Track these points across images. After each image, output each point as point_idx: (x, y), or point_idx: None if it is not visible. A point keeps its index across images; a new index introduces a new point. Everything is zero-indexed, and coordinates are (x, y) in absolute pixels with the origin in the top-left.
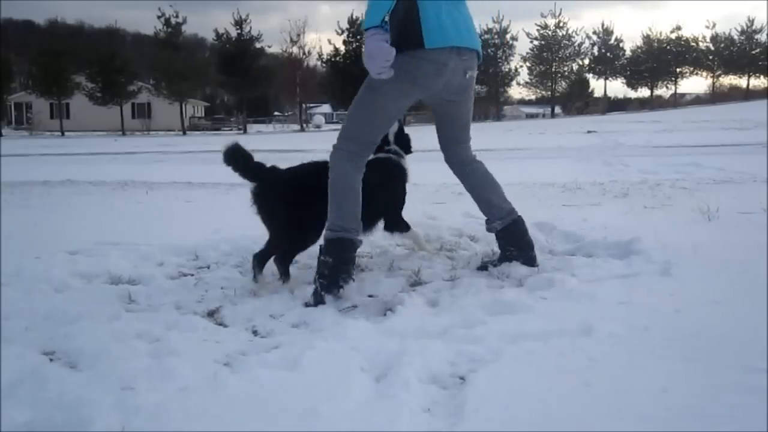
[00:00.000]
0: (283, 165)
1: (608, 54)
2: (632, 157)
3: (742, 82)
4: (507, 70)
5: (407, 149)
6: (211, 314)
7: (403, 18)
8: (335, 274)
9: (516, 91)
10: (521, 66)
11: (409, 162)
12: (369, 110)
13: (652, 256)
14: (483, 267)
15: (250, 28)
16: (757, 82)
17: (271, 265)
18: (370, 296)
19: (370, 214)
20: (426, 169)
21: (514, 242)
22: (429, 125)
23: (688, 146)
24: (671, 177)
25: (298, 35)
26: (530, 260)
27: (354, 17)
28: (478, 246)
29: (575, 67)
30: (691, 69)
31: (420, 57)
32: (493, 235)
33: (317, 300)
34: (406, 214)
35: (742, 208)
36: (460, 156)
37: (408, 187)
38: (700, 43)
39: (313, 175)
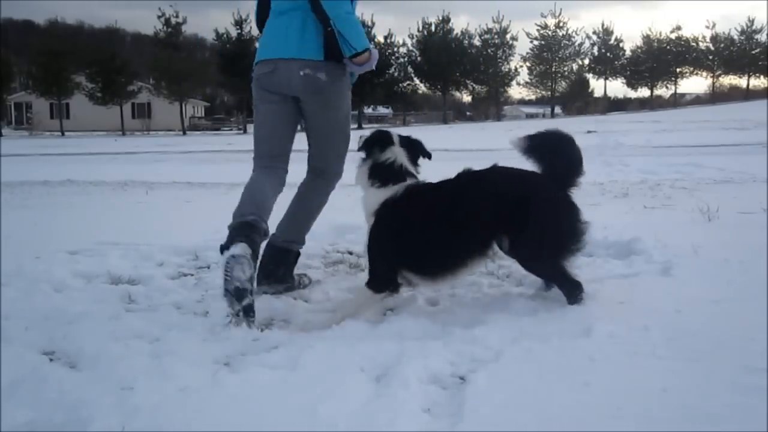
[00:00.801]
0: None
1: (608, 54)
2: (632, 157)
3: (742, 82)
4: (507, 70)
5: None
6: (211, 314)
7: None
8: None
9: (516, 91)
10: (521, 66)
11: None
12: (255, 122)
13: (652, 256)
14: None
15: (250, 28)
16: (757, 82)
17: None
18: None
19: None
20: (426, 169)
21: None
22: (428, 125)
23: (688, 146)
24: (671, 177)
25: None
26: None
27: None
28: None
29: (575, 67)
30: (691, 69)
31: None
32: None
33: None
34: None
35: (742, 208)
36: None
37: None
38: (700, 43)
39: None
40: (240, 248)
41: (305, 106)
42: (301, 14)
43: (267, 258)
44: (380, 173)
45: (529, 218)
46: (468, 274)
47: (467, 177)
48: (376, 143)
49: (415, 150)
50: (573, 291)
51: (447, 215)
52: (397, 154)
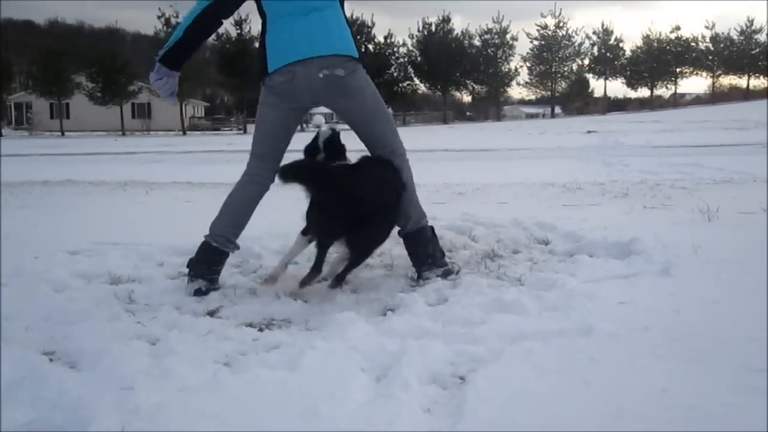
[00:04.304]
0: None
1: (608, 54)
2: (632, 157)
3: (742, 82)
4: (507, 70)
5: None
6: (211, 314)
7: (258, 50)
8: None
9: (516, 91)
10: (521, 66)
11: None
12: (257, 123)
13: (652, 256)
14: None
15: (250, 28)
16: (757, 82)
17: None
18: (370, 296)
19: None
20: (426, 169)
21: (414, 250)
22: (428, 125)
23: (688, 146)
24: (671, 177)
25: None
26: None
27: (353, 17)
28: (478, 246)
29: (575, 67)
30: (691, 69)
31: (274, 72)
32: (492, 235)
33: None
34: None
35: (742, 208)
36: None
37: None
38: (700, 43)
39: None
40: (196, 285)
41: (335, 107)
42: (330, 12)
43: (414, 245)
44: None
45: None
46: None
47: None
48: (307, 153)
49: (336, 144)
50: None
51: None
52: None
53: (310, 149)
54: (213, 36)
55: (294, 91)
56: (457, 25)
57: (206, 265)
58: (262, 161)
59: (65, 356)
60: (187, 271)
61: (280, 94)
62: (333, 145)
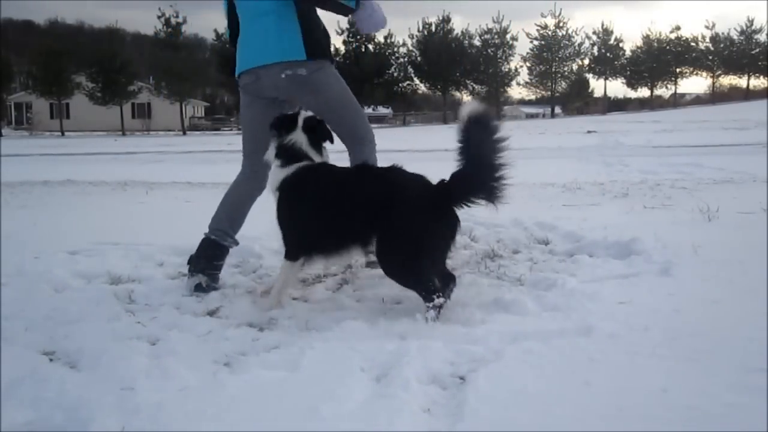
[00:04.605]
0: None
1: (608, 54)
2: (632, 157)
3: (742, 82)
4: (507, 70)
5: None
6: (211, 314)
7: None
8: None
9: (516, 91)
10: (521, 66)
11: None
12: (242, 124)
13: (652, 256)
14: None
15: None
16: (757, 82)
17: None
18: (370, 296)
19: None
20: (426, 169)
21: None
22: (428, 125)
23: (688, 146)
24: (671, 177)
25: None
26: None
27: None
28: (478, 246)
29: (575, 67)
30: (691, 69)
31: (241, 74)
32: (492, 235)
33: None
34: None
35: (742, 208)
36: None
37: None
38: (700, 44)
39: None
40: (196, 280)
41: (302, 101)
42: (276, 17)
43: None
44: (283, 154)
45: (388, 223)
46: (350, 258)
47: (362, 169)
48: (282, 125)
49: (318, 133)
50: (429, 297)
51: (333, 201)
52: (298, 137)
53: (284, 120)
54: (213, 36)
55: (261, 89)
56: (457, 25)
57: (206, 259)
58: (253, 159)
59: (65, 356)
60: (187, 269)
61: (251, 93)
62: (314, 127)
